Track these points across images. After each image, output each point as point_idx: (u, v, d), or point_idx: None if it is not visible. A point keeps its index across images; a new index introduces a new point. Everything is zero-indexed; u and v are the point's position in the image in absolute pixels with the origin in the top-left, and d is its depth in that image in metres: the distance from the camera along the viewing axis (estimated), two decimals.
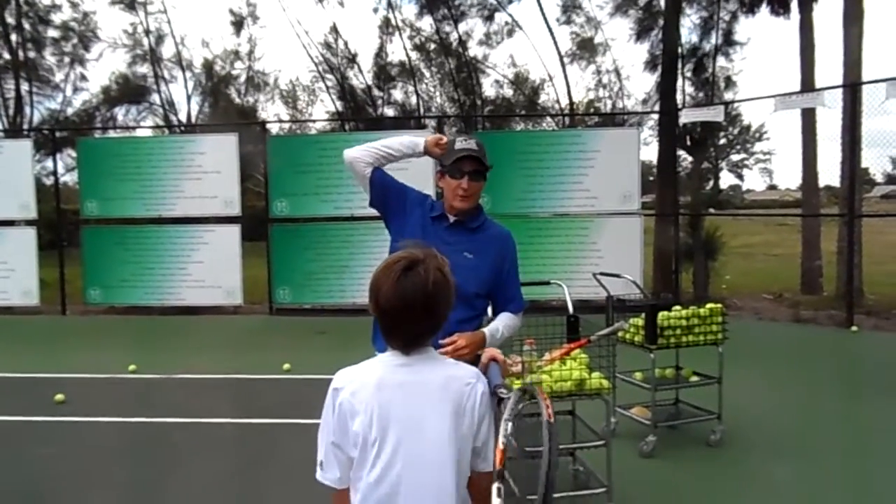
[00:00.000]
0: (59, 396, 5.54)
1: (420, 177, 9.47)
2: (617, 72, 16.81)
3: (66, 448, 4.62)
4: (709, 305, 4.43)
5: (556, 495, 3.48)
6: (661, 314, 4.27)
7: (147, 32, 18.14)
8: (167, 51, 18.94)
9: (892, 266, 13.22)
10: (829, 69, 38.17)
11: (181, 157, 10.04)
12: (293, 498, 3.75)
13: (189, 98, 19.40)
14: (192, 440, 4.76)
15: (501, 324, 2.49)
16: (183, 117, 18.92)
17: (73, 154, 12.64)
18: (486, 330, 2.41)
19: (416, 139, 2.65)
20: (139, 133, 23.33)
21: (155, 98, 18.63)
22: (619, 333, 4.20)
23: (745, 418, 4.78)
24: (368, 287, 1.59)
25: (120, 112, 18.90)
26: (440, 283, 1.54)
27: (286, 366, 6.54)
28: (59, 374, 6.36)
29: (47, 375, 6.36)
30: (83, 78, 18.52)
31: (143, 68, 18.42)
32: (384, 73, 17.46)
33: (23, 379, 6.38)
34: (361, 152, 2.59)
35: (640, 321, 4.30)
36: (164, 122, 18.44)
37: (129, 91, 18.28)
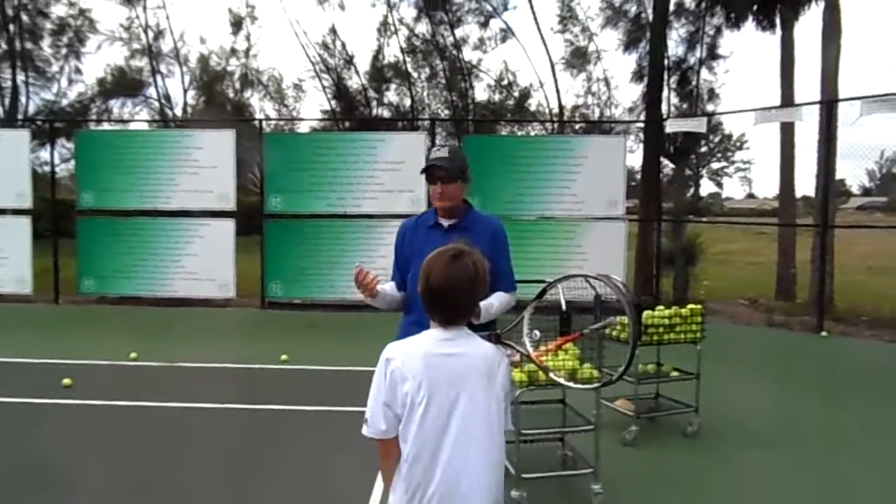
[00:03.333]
0: (67, 381, 5.74)
1: (413, 178, 9.81)
2: (606, 81, 17.26)
3: (77, 430, 4.85)
4: (689, 306, 4.78)
5: (545, 475, 3.83)
6: (646, 313, 4.60)
7: (146, 28, 18.28)
8: (164, 45, 19.11)
9: (860, 276, 13.76)
10: (808, 82, 38.94)
11: (178, 151, 10.22)
12: (300, 478, 4.03)
13: (185, 92, 19.57)
14: (202, 424, 5.01)
15: (495, 300, 2.79)
16: (179, 112, 19.10)
17: (68, 145, 12.73)
18: (481, 303, 2.71)
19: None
20: (136, 126, 23.38)
21: (151, 92, 18.81)
22: (607, 330, 4.51)
23: (720, 412, 5.12)
24: (419, 270, 1.92)
25: (115, 105, 19.02)
26: (480, 273, 1.88)
27: (284, 356, 6.79)
28: (62, 361, 6.54)
29: (51, 361, 6.55)
30: (78, 71, 18.62)
31: (141, 62, 18.58)
32: (380, 75, 17.76)
33: (28, 364, 6.56)
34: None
35: (625, 319, 4.61)
36: (159, 115, 18.54)
37: (124, 84, 18.39)
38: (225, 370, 6.52)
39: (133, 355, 6.74)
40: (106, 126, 18.09)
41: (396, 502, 1.89)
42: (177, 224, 10.33)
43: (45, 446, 4.50)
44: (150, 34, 18.38)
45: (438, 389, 1.83)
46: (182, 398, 5.50)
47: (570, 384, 2.43)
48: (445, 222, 2.92)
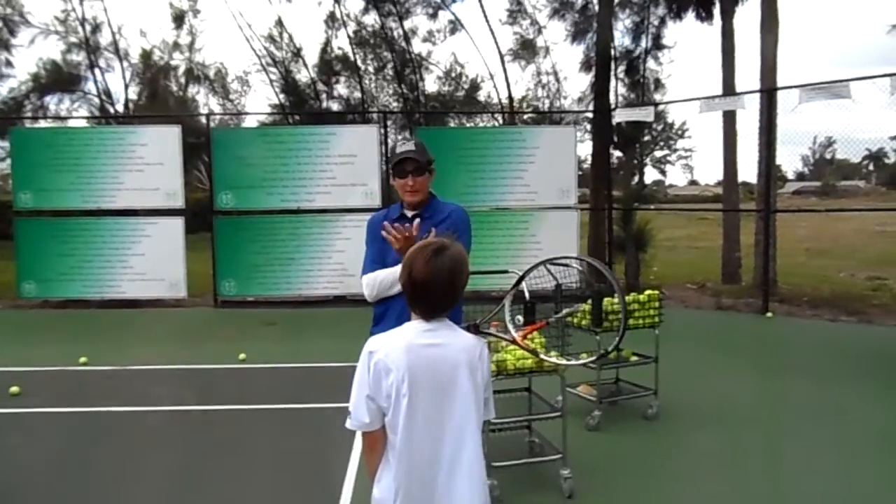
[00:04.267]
0: (15, 388, 5.52)
1: (367, 171, 9.74)
2: (555, 72, 17.42)
3: (29, 439, 4.67)
4: (647, 292, 4.90)
5: (514, 462, 3.87)
6: (606, 300, 4.68)
7: (83, 21, 17.50)
8: (103, 39, 18.35)
9: (800, 258, 14.34)
10: (748, 71, 40.31)
11: (122, 148, 9.91)
12: (267, 478, 3.97)
13: (126, 87, 18.86)
14: (160, 428, 4.89)
15: None
16: (120, 108, 18.42)
17: (2, 144, 12.17)
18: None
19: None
20: (75, 123, 22.49)
21: (90, 87, 18.07)
22: (569, 318, 4.59)
23: (677, 394, 5.26)
24: (402, 263, 1.93)
25: (52, 101, 18.19)
26: (462, 266, 1.90)
27: (242, 355, 6.67)
28: (7, 368, 6.26)
29: None
30: (8, 64, 17.72)
31: (78, 56, 17.81)
32: (328, 68, 17.51)
33: None
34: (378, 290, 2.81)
35: (587, 306, 4.70)
36: (100, 112, 17.84)
37: (61, 79, 17.60)
38: (180, 371, 6.37)
39: (83, 360, 6.52)
40: (43, 123, 17.31)
41: (383, 492, 1.89)
42: (122, 223, 10.03)
43: None
44: (88, 27, 17.64)
45: (423, 380, 1.84)
46: (138, 402, 5.36)
47: (564, 361, 2.52)
48: (410, 213, 2.95)
